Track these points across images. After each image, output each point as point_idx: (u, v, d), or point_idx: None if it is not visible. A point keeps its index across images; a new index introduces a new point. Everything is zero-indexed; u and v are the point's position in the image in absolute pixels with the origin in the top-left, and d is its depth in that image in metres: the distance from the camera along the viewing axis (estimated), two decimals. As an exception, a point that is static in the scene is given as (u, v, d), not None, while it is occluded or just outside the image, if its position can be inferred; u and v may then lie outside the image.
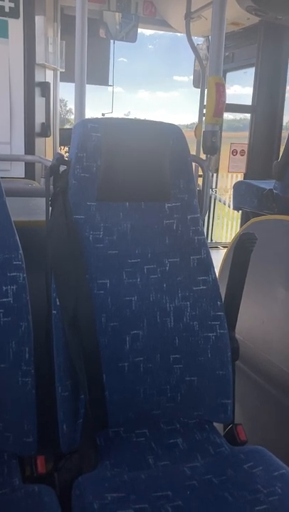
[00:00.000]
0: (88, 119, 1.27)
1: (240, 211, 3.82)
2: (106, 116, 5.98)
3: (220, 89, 1.60)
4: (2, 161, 2.75)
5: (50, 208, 1.26)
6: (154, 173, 1.29)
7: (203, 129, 1.72)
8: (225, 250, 2.23)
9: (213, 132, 1.70)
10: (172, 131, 1.30)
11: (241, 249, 1.29)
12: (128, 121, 1.30)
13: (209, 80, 1.63)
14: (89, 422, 1.16)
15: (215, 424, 1.31)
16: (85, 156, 1.22)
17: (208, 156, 1.72)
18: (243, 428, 1.30)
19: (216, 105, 1.59)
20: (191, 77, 4.71)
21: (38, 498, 0.98)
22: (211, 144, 1.68)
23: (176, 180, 1.31)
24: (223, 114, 1.67)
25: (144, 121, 1.31)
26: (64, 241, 1.20)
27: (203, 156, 1.78)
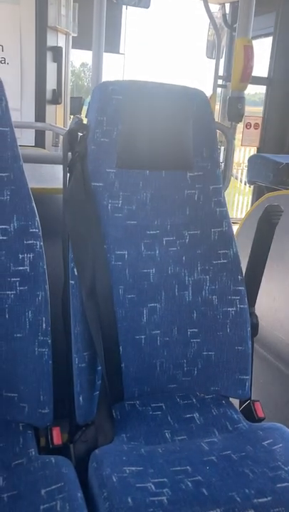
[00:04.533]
0: (109, 81, 1.21)
1: (252, 186, 3.76)
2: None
3: (248, 53, 1.52)
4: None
5: (68, 175, 1.21)
6: (177, 139, 1.23)
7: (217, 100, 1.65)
8: (235, 226, 2.19)
9: (239, 99, 1.62)
10: (197, 96, 1.24)
11: (266, 222, 1.25)
12: (151, 84, 1.23)
13: (237, 43, 1.55)
14: (105, 394, 1.14)
15: (231, 400, 1.29)
16: (105, 120, 1.17)
17: (233, 123, 1.66)
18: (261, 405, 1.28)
19: (243, 69, 1.51)
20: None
21: (55, 469, 0.97)
22: (237, 111, 1.61)
23: (199, 148, 1.25)
24: (250, 80, 1.60)
25: (168, 84, 1.24)
26: (82, 209, 1.16)
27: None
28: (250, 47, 1.52)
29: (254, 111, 5.23)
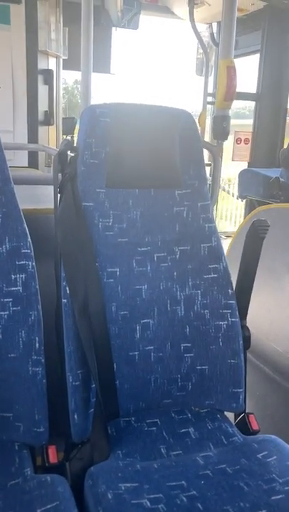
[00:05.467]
0: (96, 105, 1.24)
1: (244, 200, 3.80)
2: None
3: (231, 73, 1.57)
4: (5, 149, 2.72)
5: (59, 196, 1.23)
6: (164, 159, 1.26)
7: (207, 116, 1.70)
8: (228, 240, 2.21)
9: (223, 117, 1.67)
10: (182, 116, 1.28)
11: (253, 236, 1.27)
12: (137, 106, 1.27)
13: (220, 64, 1.60)
14: (100, 412, 1.15)
15: (226, 413, 1.30)
16: (94, 142, 1.20)
17: (219, 141, 1.70)
18: (255, 417, 1.29)
19: (227, 89, 1.56)
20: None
21: (50, 487, 0.97)
22: (222, 129, 1.65)
23: (187, 167, 1.28)
24: (234, 98, 1.64)
25: (154, 106, 1.28)
26: (73, 229, 1.18)
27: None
28: (232, 67, 1.57)
29: (244, 124, 5.31)
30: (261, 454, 1.11)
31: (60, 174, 1.24)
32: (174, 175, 1.27)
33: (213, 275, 1.29)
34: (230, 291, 1.29)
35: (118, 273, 1.22)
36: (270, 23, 4.02)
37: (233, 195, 5.68)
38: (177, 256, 1.28)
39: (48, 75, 3.28)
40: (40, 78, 3.17)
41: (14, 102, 3.06)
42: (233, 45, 1.61)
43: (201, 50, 4.59)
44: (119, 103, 1.26)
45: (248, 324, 1.34)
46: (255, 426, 1.26)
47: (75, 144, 1.26)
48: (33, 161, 3.11)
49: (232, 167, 5.37)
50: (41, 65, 3.19)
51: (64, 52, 3.55)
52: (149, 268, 1.25)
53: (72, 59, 3.46)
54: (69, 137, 4.39)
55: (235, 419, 1.31)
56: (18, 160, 3.03)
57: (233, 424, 1.28)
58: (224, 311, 1.28)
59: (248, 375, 1.32)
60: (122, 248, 1.23)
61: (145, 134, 1.24)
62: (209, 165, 2.22)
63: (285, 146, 3.06)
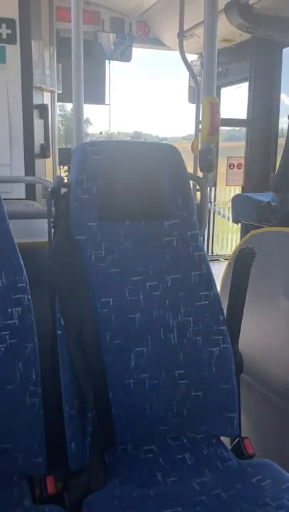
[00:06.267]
0: (87, 143, 1.30)
1: (239, 224, 3.85)
2: (104, 133, 6.05)
3: (214, 108, 1.64)
4: (3, 182, 2.79)
5: (53, 229, 1.28)
6: (153, 192, 1.32)
7: (200, 145, 1.76)
8: (226, 263, 2.25)
9: (208, 150, 1.74)
10: (168, 151, 1.34)
11: (241, 263, 1.31)
12: (125, 144, 1.33)
13: (203, 100, 1.68)
14: (97, 440, 1.17)
15: (222, 438, 1.32)
16: (85, 179, 1.25)
17: (204, 173, 1.76)
18: (250, 441, 1.30)
19: (210, 124, 1.64)
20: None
21: None
22: (207, 161, 1.72)
23: (175, 198, 1.34)
24: (218, 132, 1.71)
25: (141, 142, 1.35)
26: (67, 261, 1.22)
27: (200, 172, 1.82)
28: (215, 103, 1.64)
29: (236, 145, 5.39)
30: (256, 478, 1.13)
31: (53, 208, 1.29)
32: (163, 206, 1.33)
33: (204, 302, 1.32)
34: (221, 317, 1.32)
35: (111, 303, 1.25)
36: (257, 52, 4.15)
37: (228, 219, 5.75)
38: (169, 284, 1.31)
39: (43, 109, 3.39)
40: (35, 112, 3.27)
41: (11, 136, 3.15)
42: (215, 82, 1.69)
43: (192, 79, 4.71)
44: (108, 141, 1.33)
45: (245, 347, 1.36)
46: (250, 450, 1.28)
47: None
48: (30, 193, 3.18)
49: (231, 191, 5.45)
50: (36, 100, 3.30)
51: (58, 86, 3.67)
52: (141, 297, 1.28)
53: (66, 92, 3.56)
54: (66, 167, 4.48)
55: (231, 443, 1.32)
56: (15, 192, 3.10)
57: (229, 448, 1.29)
58: (216, 337, 1.31)
59: (246, 397, 1.34)
60: (115, 278, 1.27)
61: (134, 169, 1.30)
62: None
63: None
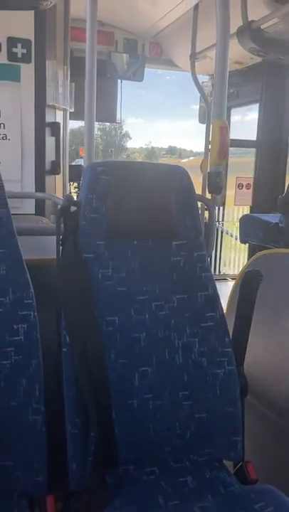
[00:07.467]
0: (97, 163, 1.32)
1: (247, 244, 3.86)
2: (144, 147, 6.10)
3: (223, 132, 1.66)
4: (13, 198, 2.83)
5: (61, 247, 1.30)
6: (161, 212, 1.33)
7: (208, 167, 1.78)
8: (233, 282, 2.25)
9: (217, 173, 1.75)
10: (177, 172, 1.35)
11: (247, 286, 1.31)
12: (135, 164, 1.35)
13: (213, 123, 1.70)
14: (99, 460, 1.16)
15: (225, 461, 1.31)
16: (95, 198, 1.27)
17: (213, 195, 1.77)
18: (254, 465, 1.29)
19: (220, 147, 1.65)
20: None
21: None
22: (216, 184, 1.73)
23: (183, 219, 1.35)
24: (227, 156, 1.73)
25: (150, 163, 1.36)
26: (74, 279, 1.23)
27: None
28: (224, 127, 1.66)
29: (245, 161, 5.42)
30: (258, 505, 1.11)
31: (62, 226, 1.30)
32: (170, 227, 1.34)
33: (210, 323, 1.32)
34: (226, 339, 1.32)
35: (117, 321, 1.25)
36: (268, 75, 4.21)
37: (236, 239, 5.75)
38: (175, 304, 1.31)
39: (55, 127, 3.44)
40: (47, 130, 3.32)
41: (22, 152, 3.19)
42: (225, 106, 1.71)
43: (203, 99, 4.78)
44: (118, 161, 1.34)
45: (252, 369, 1.35)
46: (253, 475, 1.26)
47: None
48: (40, 209, 3.21)
49: (240, 210, 5.44)
50: (49, 118, 3.35)
51: (70, 105, 3.73)
52: (147, 316, 1.29)
53: (79, 110, 3.61)
54: (72, 186, 4.52)
55: (234, 467, 1.31)
56: (25, 207, 3.13)
57: (232, 472, 1.28)
58: (221, 359, 1.31)
59: (251, 420, 1.32)
60: (121, 297, 1.27)
61: (143, 190, 1.31)
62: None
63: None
